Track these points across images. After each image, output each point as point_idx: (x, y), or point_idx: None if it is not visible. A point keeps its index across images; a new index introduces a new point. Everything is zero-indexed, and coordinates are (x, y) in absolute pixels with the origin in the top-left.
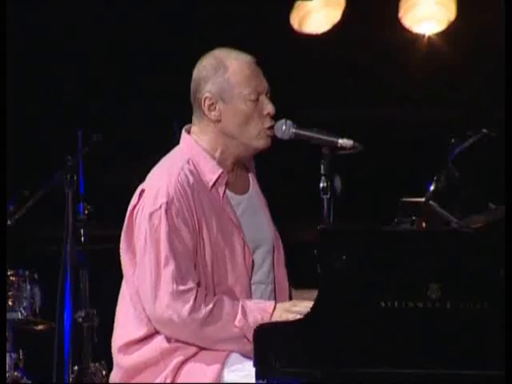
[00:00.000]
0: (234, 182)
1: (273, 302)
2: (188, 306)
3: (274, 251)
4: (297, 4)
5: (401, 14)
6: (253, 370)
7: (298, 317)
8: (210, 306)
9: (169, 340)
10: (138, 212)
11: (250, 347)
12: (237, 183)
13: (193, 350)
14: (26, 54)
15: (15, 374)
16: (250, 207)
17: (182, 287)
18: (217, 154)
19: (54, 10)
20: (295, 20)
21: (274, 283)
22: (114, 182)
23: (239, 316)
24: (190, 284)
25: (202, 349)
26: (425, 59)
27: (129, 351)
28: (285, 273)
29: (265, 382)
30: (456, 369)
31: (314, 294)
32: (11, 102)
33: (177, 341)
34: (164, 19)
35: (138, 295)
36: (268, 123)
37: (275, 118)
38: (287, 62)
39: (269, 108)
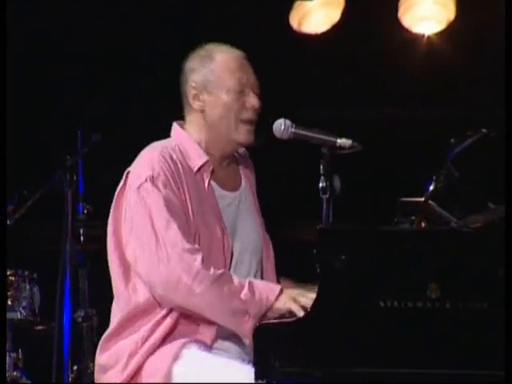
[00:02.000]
0: (222, 178)
1: (280, 286)
2: (198, 262)
3: (262, 254)
4: (296, 4)
5: (400, 14)
6: (202, 365)
7: (301, 312)
8: (219, 271)
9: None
10: (125, 193)
11: (248, 327)
12: (225, 179)
13: (150, 349)
14: (26, 54)
15: (14, 373)
16: (235, 205)
17: (188, 245)
18: (203, 145)
19: (54, 10)
20: (295, 20)
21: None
22: (113, 182)
23: (245, 290)
24: (195, 245)
25: (162, 343)
26: (424, 59)
27: (106, 346)
28: (273, 275)
29: (264, 381)
30: (456, 369)
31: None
32: (11, 102)
33: (153, 331)
34: (164, 19)
35: (118, 278)
36: (247, 115)
37: (272, 117)
38: (287, 62)
39: (252, 101)
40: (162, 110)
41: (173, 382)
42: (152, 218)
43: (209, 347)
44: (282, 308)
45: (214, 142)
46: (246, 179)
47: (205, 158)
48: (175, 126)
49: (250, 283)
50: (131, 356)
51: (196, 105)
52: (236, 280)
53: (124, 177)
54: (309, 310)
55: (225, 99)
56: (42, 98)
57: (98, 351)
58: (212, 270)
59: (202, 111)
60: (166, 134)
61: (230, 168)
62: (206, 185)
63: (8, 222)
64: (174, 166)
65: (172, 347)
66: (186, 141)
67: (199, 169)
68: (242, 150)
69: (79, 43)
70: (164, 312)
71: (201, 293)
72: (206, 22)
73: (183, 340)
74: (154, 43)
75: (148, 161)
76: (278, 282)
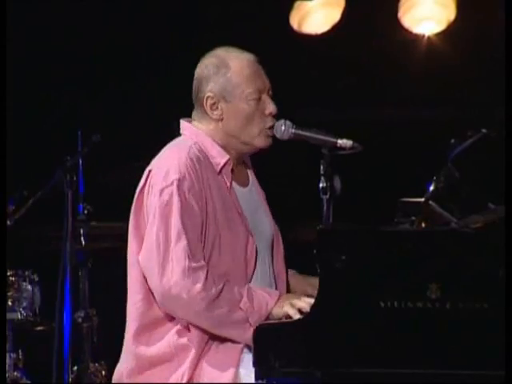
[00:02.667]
0: (237, 174)
1: (278, 291)
2: (200, 284)
3: (273, 246)
4: (296, 4)
5: (400, 14)
6: None
7: (298, 316)
8: (220, 286)
9: (181, 336)
10: (147, 192)
11: (249, 335)
12: (239, 176)
13: (206, 347)
14: (26, 54)
15: (15, 373)
16: (250, 200)
17: (194, 264)
18: (219, 145)
19: (54, 11)
20: (295, 20)
21: (274, 277)
22: (113, 182)
23: (245, 299)
24: (201, 262)
25: (214, 346)
26: (424, 59)
27: (143, 340)
28: (283, 266)
29: (264, 381)
30: (456, 369)
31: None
32: (11, 102)
33: (189, 337)
34: (164, 20)
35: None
36: (269, 123)
37: (276, 117)
38: (287, 62)
39: (271, 108)
40: (162, 111)
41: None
42: (169, 226)
43: None
44: (280, 312)
45: (231, 147)
46: (251, 172)
47: (226, 157)
48: (186, 124)
49: (249, 291)
50: (185, 351)
51: (214, 114)
52: (236, 290)
53: (145, 176)
54: (308, 311)
55: (245, 108)
56: (43, 99)
57: (131, 340)
58: (213, 288)
59: (221, 120)
60: (165, 134)
61: (239, 166)
62: (229, 185)
63: (8, 222)
64: (200, 167)
65: (231, 351)
66: (204, 139)
67: (222, 168)
68: None
69: (79, 44)
70: None
71: (199, 311)
72: (206, 23)
73: (240, 344)
74: (155, 44)
75: (175, 162)
76: (286, 273)
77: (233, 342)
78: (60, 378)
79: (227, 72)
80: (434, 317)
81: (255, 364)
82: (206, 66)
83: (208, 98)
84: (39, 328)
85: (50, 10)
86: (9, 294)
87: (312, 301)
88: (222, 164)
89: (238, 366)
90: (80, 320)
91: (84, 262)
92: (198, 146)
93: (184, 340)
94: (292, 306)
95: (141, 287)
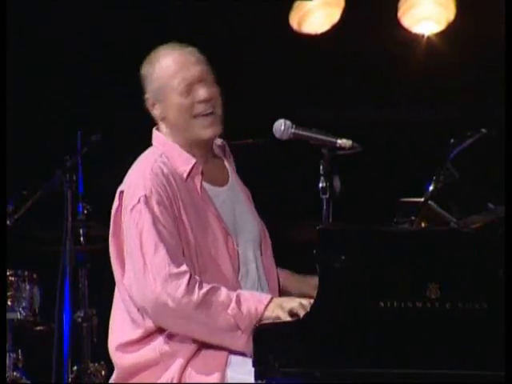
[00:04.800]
0: (211, 174)
1: (270, 295)
2: (182, 288)
3: (260, 243)
4: (296, 4)
5: (400, 14)
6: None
7: (288, 318)
8: (204, 290)
9: (168, 342)
10: (121, 213)
11: (242, 342)
12: (214, 175)
13: (192, 350)
14: (26, 54)
15: (14, 374)
16: (230, 199)
17: (175, 270)
18: (184, 147)
19: (54, 12)
20: (295, 20)
21: (264, 274)
22: (113, 182)
23: (233, 304)
24: (183, 267)
25: (201, 349)
26: (424, 59)
27: (127, 350)
28: (272, 263)
29: (264, 382)
30: (456, 369)
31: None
32: (11, 102)
33: (176, 342)
34: (164, 20)
35: (131, 297)
36: (199, 109)
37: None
38: (287, 62)
39: (200, 94)
40: None
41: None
42: (142, 242)
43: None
44: (271, 316)
45: (184, 143)
46: (231, 169)
47: (192, 161)
48: (156, 133)
49: (238, 296)
50: (171, 356)
51: (157, 115)
52: (223, 294)
53: (117, 197)
54: (300, 312)
55: (176, 101)
56: (42, 99)
57: (114, 352)
58: (197, 291)
59: (164, 118)
60: None
61: (215, 162)
62: (199, 188)
63: (8, 222)
64: (166, 180)
65: (219, 353)
66: (170, 147)
67: (189, 174)
68: (218, 141)
69: (80, 43)
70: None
71: (187, 317)
72: (206, 23)
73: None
74: (155, 44)
75: (140, 179)
76: (277, 271)
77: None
78: (60, 377)
79: (156, 70)
80: (434, 317)
81: (255, 364)
82: (144, 66)
83: (147, 99)
84: (39, 328)
85: (50, 9)
86: (9, 293)
87: (304, 301)
88: (187, 171)
89: (224, 369)
90: (80, 320)
91: (83, 261)
92: (163, 159)
93: (170, 348)
94: (282, 308)
95: (126, 307)
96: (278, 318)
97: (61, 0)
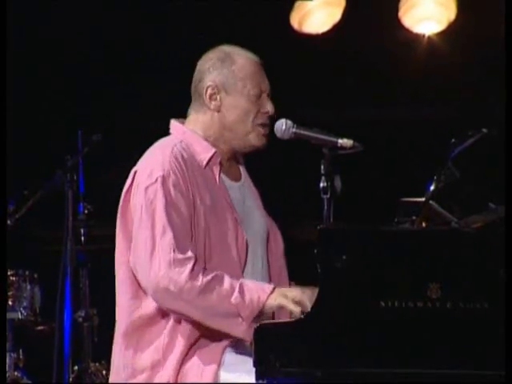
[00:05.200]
0: (228, 169)
1: (272, 285)
2: (185, 274)
3: (267, 241)
4: (297, 4)
5: (401, 14)
6: (247, 369)
7: (291, 305)
8: (208, 277)
9: (170, 337)
10: (133, 192)
11: (242, 329)
12: (230, 170)
13: (187, 347)
14: (26, 54)
15: (15, 373)
16: (242, 195)
17: (180, 256)
18: (210, 140)
19: (55, 12)
20: (295, 20)
21: (268, 272)
22: (113, 182)
23: (236, 293)
24: (188, 253)
25: (196, 348)
26: (425, 59)
27: (132, 342)
28: (284, 266)
29: (265, 381)
30: (456, 368)
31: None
32: (11, 102)
33: (177, 339)
34: (164, 20)
35: (125, 283)
36: (262, 120)
37: (275, 118)
38: (287, 62)
39: (268, 107)
40: (162, 111)
41: None
42: (154, 222)
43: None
44: (274, 304)
45: (225, 139)
46: (243, 170)
47: (212, 150)
48: (175, 124)
49: (241, 285)
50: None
51: (212, 104)
52: (227, 283)
53: (131, 176)
54: (303, 303)
55: (244, 103)
56: (43, 99)
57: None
58: (200, 278)
59: (218, 111)
60: (165, 134)
61: (232, 161)
62: (217, 177)
63: (8, 222)
64: (184, 164)
65: (213, 352)
66: (190, 136)
67: (208, 162)
68: None
69: (79, 43)
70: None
71: (188, 301)
72: (206, 23)
73: (223, 343)
74: (155, 44)
75: (159, 160)
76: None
77: (216, 342)
78: (60, 377)
79: (231, 65)
80: (435, 316)
81: (255, 364)
82: (210, 59)
83: (208, 87)
84: (39, 328)
85: (50, 9)
86: (9, 293)
87: (308, 291)
88: (207, 158)
89: (218, 367)
90: (80, 320)
91: (84, 261)
92: (183, 145)
93: (171, 341)
94: (285, 296)
95: (129, 287)
96: (281, 306)
97: (61, 0)
